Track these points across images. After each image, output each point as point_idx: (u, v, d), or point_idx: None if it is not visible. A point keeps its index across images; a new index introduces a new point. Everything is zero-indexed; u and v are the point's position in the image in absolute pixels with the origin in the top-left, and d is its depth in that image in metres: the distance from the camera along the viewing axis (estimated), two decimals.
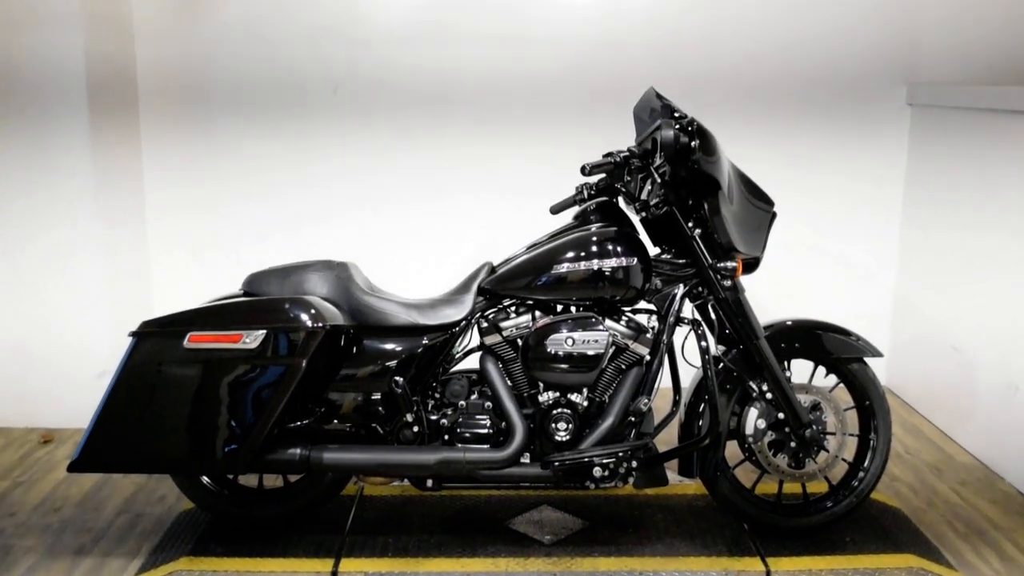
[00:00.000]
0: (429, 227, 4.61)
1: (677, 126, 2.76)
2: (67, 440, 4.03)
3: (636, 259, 2.92)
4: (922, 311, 4.46)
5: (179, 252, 4.55)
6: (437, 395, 3.05)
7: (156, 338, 2.85)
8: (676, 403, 3.07)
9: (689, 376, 3.11)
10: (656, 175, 2.86)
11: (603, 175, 3.00)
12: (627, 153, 2.92)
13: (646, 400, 2.95)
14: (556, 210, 3.21)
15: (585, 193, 3.14)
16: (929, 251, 4.41)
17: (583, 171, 2.84)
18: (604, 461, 2.90)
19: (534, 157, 4.53)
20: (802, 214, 4.53)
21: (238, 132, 4.50)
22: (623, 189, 3.05)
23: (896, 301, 4.73)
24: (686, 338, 3.08)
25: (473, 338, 3.09)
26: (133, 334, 2.86)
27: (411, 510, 3.29)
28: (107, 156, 4.11)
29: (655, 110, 3.04)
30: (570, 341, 2.90)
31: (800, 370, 3.12)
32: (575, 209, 3.13)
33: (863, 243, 4.72)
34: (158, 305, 4.36)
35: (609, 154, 2.94)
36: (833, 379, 3.18)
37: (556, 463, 2.90)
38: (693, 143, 2.74)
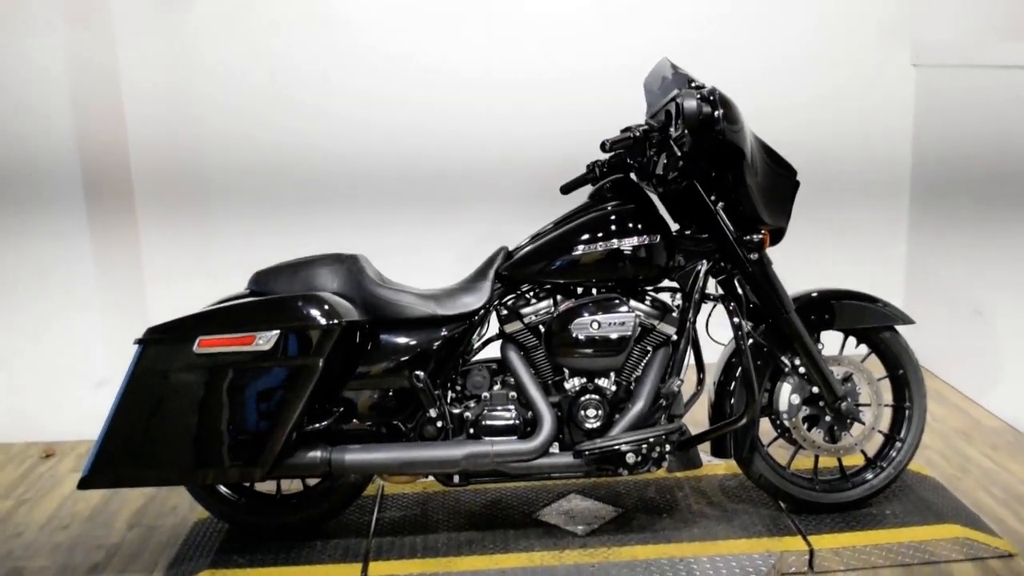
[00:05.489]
0: (438, 215, 4.50)
1: (698, 95, 2.64)
2: (69, 453, 3.89)
3: (659, 236, 2.81)
4: (938, 275, 4.38)
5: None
6: (458, 387, 2.93)
7: (163, 344, 2.71)
8: (700, 382, 2.97)
9: (712, 354, 3.01)
10: (676, 148, 2.75)
11: (618, 151, 2.88)
12: (646, 127, 2.80)
13: (679, 381, 2.85)
14: (567, 189, 3.10)
15: (597, 171, 3.03)
16: (942, 214, 4.32)
17: (603, 148, 2.72)
18: (638, 447, 2.79)
19: (544, 136, 4.41)
20: (806, 182, 4.43)
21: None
22: (635, 164, 2.94)
23: (908, 266, 4.65)
24: (710, 315, 2.98)
25: (491, 327, 2.98)
26: (139, 341, 2.73)
27: (435, 507, 3.18)
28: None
29: (667, 79, 2.93)
30: (595, 325, 2.79)
31: (828, 341, 3.02)
32: (588, 189, 3.02)
33: (871, 209, 4.63)
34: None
35: (627, 129, 2.82)
36: (863, 349, 3.08)
37: (587, 451, 2.79)
38: (716, 112, 2.63)
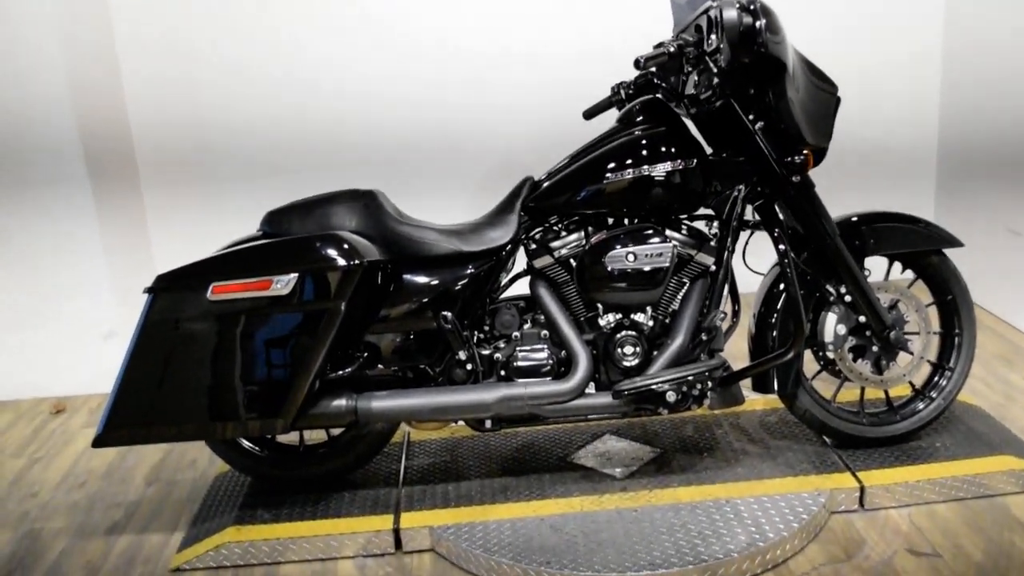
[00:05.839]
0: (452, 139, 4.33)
1: (738, 5, 2.45)
2: (80, 408, 3.76)
3: (694, 160, 2.64)
4: (971, 195, 4.21)
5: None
6: (487, 328, 2.78)
7: (175, 293, 2.55)
8: (736, 314, 2.83)
9: (744, 284, 2.86)
10: (711, 63, 2.56)
11: (650, 68, 2.69)
12: (681, 42, 2.60)
13: (722, 314, 2.70)
14: (591, 114, 2.93)
15: (623, 93, 2.85)
16: (973, 131, 4.13)
17: (636, 64, 2.53)
18: (679, 385, 2.65)
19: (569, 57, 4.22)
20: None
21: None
22: (663, 85, 2.75)
23: (939, 187, 4.48)
24: (747, 244, 2.82)
25: (518, 262, 2.82)
26: (149, 290, 2.57)
27: (464, 453, 3.05)
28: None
29: None
30: (631, 257, 2.63)
31: (872, 267, 2.87)
32: (614, 113, 2.84)
33: (900, 127, 4.45)
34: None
35: (660, 44, 2.63)
36: (909, 274, 2.93)
37: (626, 391, 2.65)
38: (758, 23, 2.44)
